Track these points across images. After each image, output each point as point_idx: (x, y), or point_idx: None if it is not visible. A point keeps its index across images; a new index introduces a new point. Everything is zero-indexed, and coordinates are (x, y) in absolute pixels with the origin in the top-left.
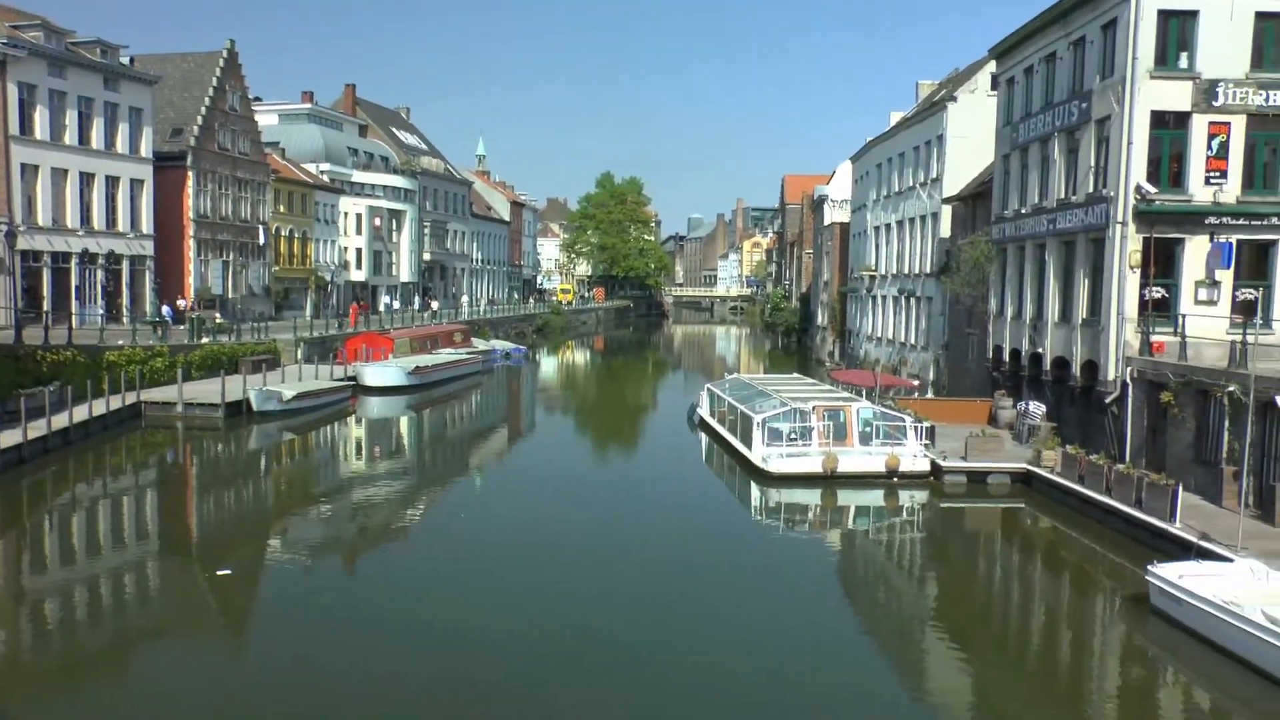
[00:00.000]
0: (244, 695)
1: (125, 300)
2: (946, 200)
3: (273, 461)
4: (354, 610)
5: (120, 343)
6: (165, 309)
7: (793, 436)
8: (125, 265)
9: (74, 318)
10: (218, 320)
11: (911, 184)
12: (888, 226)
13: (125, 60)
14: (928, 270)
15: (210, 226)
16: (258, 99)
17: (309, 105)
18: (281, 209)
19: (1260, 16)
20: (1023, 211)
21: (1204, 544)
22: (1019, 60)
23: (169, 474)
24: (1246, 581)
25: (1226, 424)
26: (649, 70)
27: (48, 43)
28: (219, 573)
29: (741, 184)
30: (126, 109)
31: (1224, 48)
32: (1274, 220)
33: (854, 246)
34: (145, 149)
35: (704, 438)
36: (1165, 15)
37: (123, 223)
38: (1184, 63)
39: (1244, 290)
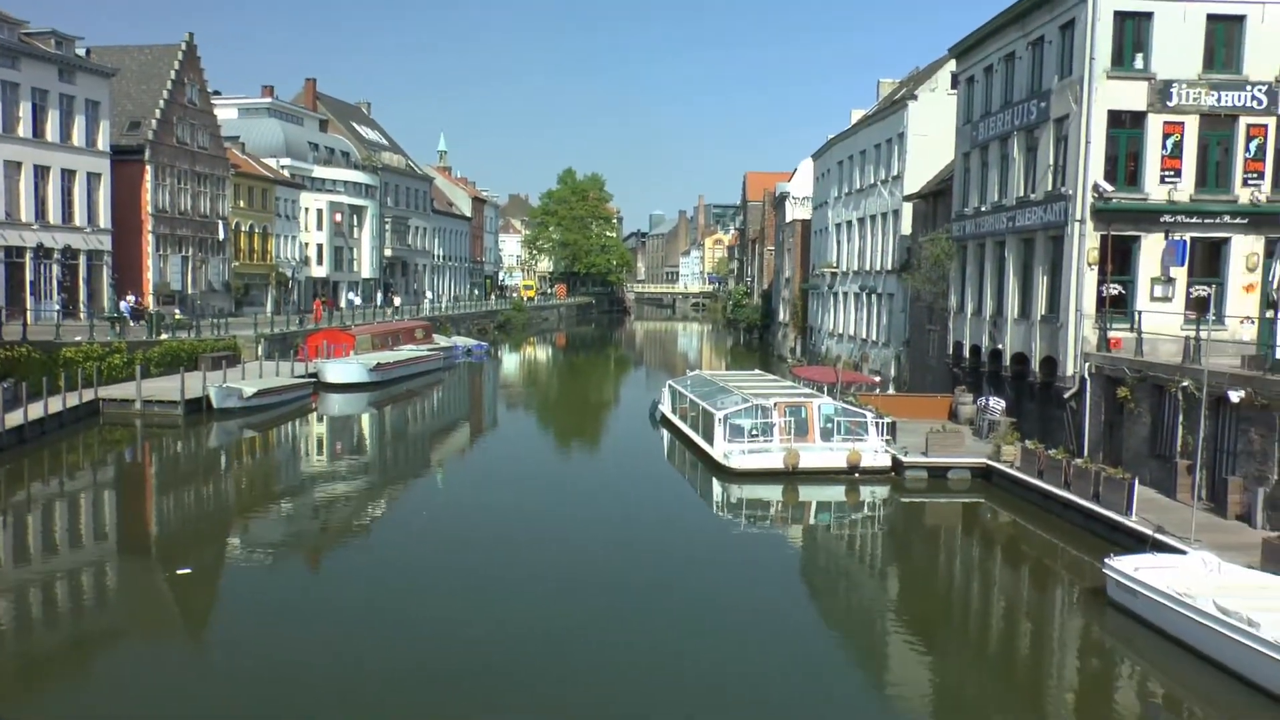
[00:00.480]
0: (206, 695)
1: (82, 296)
2: (907, 198)
3: (233, 459)
4: (316, 607)
5: (77, 339)
6: (123, 305)
7: (754, 433)
8: (82, 260)
9: (29, 313)
10: (177, 316)
11: (872, 181)
12: (849, 224)
13: (81, 52)
14: (889, 267)
15: (169, 221)
16: (217, 93)
17: (269, 99)
18: (241, 204)
19: (1211, 19)
20: (982, 209)
21: (1159, 537)
22: (979, 60)
23: (128, 472)
24: (1199, 573)
25: (1181, 419)
26: (611, 67)
27: (0, 33)
28: (179, 572)
29: (703, 181)
30: (83, 101)
31: (1177, 49)
32: (1226, 219)
33: (815, 243)
34: (102, 142)
35: (666, 434)
36: (1121, 17)
37: (79, 217)
38: (1139, 63)
39: (1197, 287)
